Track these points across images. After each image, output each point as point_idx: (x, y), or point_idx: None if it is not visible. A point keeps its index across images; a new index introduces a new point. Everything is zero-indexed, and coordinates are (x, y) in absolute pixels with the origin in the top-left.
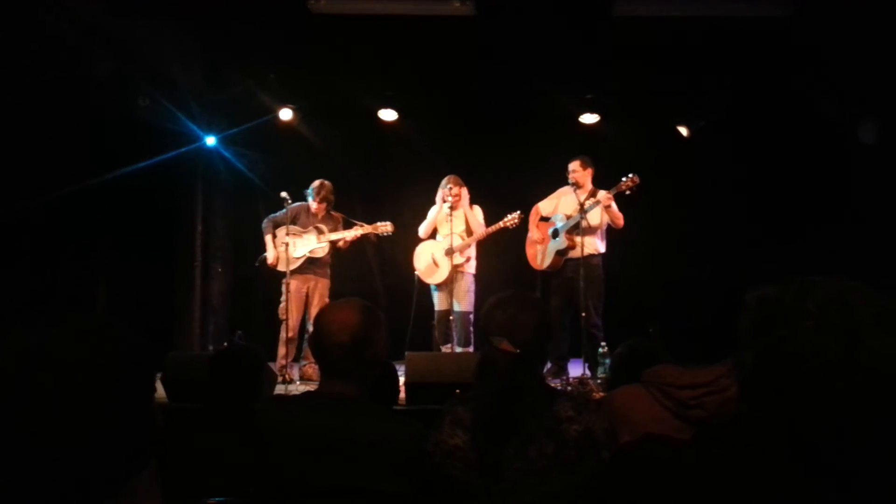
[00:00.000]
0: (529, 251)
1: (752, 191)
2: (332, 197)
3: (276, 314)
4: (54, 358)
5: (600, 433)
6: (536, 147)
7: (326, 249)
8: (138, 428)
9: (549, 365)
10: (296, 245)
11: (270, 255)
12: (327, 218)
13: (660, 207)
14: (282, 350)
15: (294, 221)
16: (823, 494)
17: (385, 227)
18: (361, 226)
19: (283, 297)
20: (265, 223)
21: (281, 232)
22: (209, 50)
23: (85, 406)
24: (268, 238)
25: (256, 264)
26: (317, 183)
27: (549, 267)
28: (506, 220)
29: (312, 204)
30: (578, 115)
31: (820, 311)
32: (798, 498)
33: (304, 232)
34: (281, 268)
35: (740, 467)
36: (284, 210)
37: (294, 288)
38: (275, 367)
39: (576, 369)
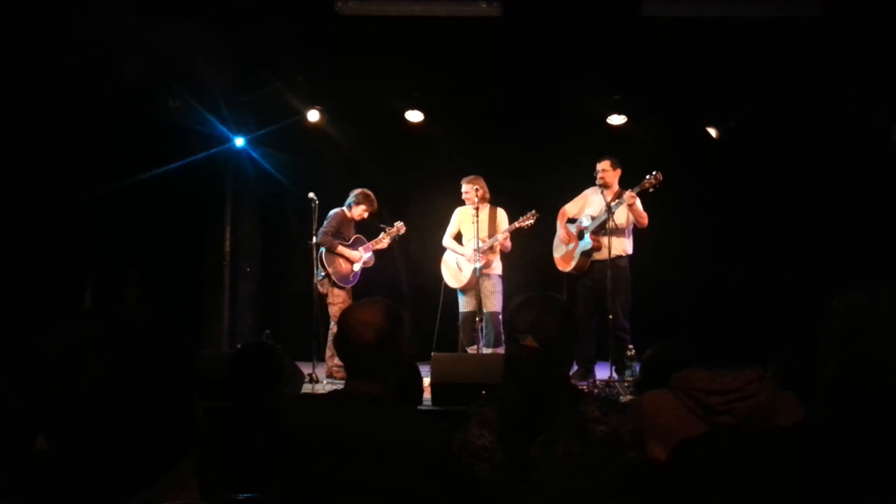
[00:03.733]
0: (556, 253)
1: (781, 192)
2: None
3: (306, 315)
4: (104, 347)
5: (626, 434)
6: (563, 148)
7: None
8: (179, 419)
9: (575, 367)
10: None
11: (357, 266)
12: (353, 223)
13: (689, 209)
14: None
15: (341, 232)
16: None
17: (401, 229)
18: (386, 230)
19: (339, 302)
20: (323, 237)
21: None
22: (238, 52)
23: (127, 393)
24: (344, 250)
25: (318, 280)
26: (360, 192)
27: (575, 269)
28: (521, 220)
29: (350, 213)
30: (606, 117)
31: None
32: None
33: (357, 244)
34: (342, 283)
35: (813, 468)
36: (328, 220)
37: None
38: (325, 367)
39: (603, 372)
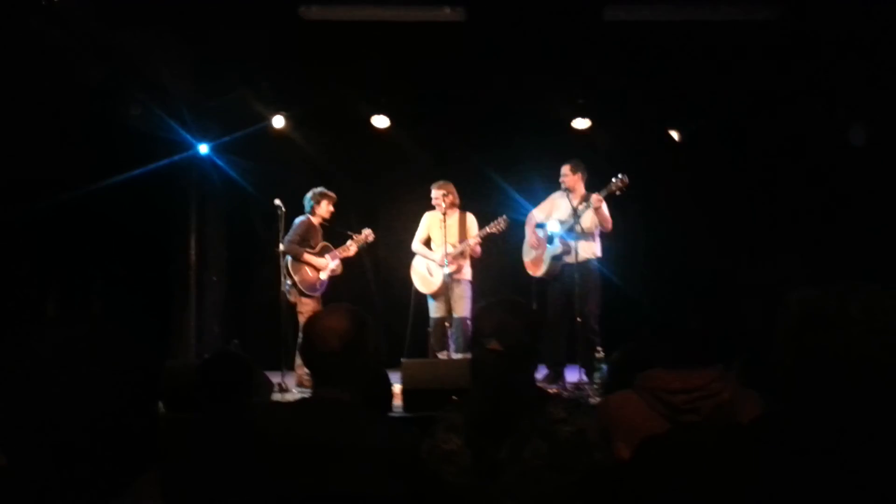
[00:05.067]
0: (526, 258)
1: (743, 194)
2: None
3: (274, 324)
4: (62, 359)
5: (593, 434)
6: (529, 152)
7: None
8: (140, 431)
9: (546, 371)
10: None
11: (324, 275)
12: (320, 230)
13: (653, 212)
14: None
15: (307, 241)
16: (855, 493)
17: (370, 237)
18: (353, 238)
19: (308, 310)
20: (289, 246)
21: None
22: (201, 57)
23: (89, 406)
24: (311, 258)
25: (287, 290)
26: (315, 192)
27: (546, 273)
28: (491, 225)
29: (314, 217)
30: (570, 120)
31: (865, 316)
32: (829, 496)
33: (324, 252)
34: (309, 292)
35: (771, 465)
36: (293, 229)
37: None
38: (295, 376)
39: (573, 375)
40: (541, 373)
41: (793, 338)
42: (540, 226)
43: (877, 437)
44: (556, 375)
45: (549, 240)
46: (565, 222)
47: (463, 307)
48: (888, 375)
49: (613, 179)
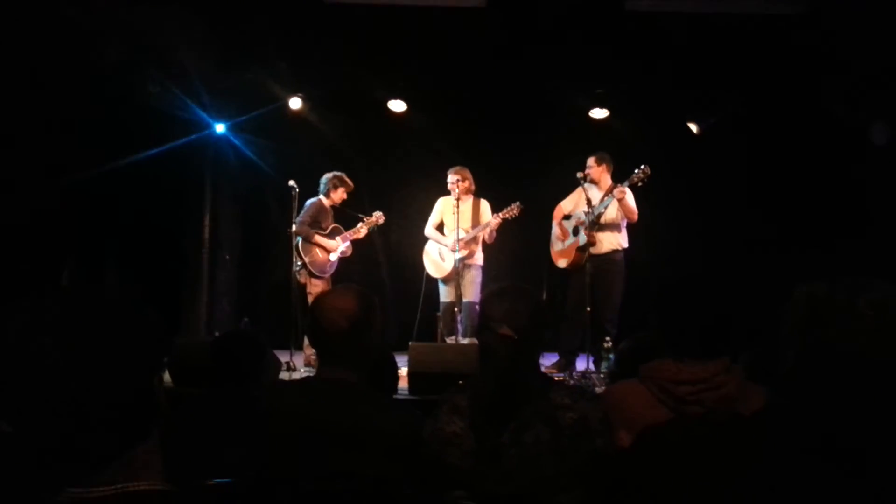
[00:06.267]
0: (553, 249)
1: (761, 189)
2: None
3: (284, 303)
4: (61, 325)
5: (595, 421)
6: (546, 141)
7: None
8: (138, 400)
9: (557, 358)
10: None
11: (333, 256)
12: (331, 212)
13: (669, 204)
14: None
15: (318, 222)
16: (857, 487)
17: (380, 219)
18: (364, 220)
19: (318, 291)
20: (300, 227)
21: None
22: (220, 37)
23: (91, 372)
24: (321, 240)
25: (297, 270)
26: (333, 176)
27: (571, 264)
28: (505, 211)
29: (327, 200)
30: (588, 110)
31: (873, 311)
32: (830, 489)
33: (335, 234)
34: (319, 273)
35: (772, 457)
36: (305, 209)
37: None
38: (303, 355)
39: (583, 364)
40: (553, 360)
41: (800, 331)
42: (567, 217)
43: (880, 431)
44: (567, 363)
45: (575, 231)
46: (590, 214)
47: (473, 292)
48: (891, 373)
49: (636, 171)
